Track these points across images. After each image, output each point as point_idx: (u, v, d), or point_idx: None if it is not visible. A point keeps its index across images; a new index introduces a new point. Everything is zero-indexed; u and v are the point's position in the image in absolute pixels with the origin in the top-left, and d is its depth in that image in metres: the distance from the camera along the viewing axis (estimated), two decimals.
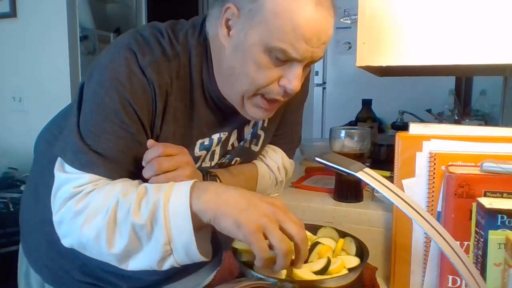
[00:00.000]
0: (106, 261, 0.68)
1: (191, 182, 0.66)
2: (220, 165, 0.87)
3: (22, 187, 1.88)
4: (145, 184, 0.69)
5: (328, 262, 0.67)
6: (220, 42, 0.72)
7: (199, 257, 0.64)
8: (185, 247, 0.63)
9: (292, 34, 0.65)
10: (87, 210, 0.67)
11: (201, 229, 0.64)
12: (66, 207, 0.68)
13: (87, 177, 0.69)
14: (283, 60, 0.68)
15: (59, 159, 0.72)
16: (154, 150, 0.69)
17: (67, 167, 0.71)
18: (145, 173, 0.70)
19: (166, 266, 0.65)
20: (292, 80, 0.69)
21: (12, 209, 1.71)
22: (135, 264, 0.66)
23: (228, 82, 0.74)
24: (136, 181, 0.72)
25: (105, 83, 0.70)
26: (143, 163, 0.71)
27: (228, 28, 0.71)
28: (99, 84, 0.71)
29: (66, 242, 0.71)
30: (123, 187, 0.68)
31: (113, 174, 0.71)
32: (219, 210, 0.62)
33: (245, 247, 0.68)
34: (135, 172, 0.73)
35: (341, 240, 0.75)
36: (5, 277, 1.14)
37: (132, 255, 0.66)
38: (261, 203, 0.63)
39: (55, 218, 0.70)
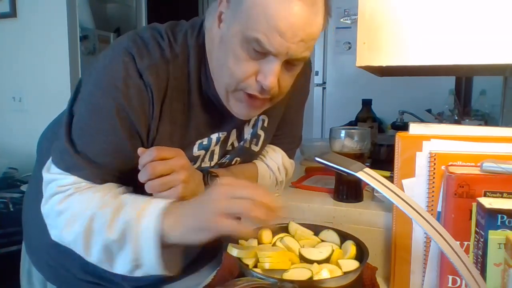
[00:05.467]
0: None
1: (165, 204, 0.67)
2: (220, 165, 0.87)
3: (22, 187, 1.88)
4: (125, 196, 0.71)
5: (332, 252, 0.70)
6: (213, 35, 0.73)
7: (165, 273, 0.67)
8: (151, 265, 0.66)
9: (266, 25, 0.65)
10: (67, 214, 0.70)
11: (170, 247, 0.66)
12: (50, 203, 0.73)
13: (71, 178, 0.72)
14: (260, 52, 0.67)
15: (49, 159, 0.75)
16: (147, 155, 0.69)
17: (53, 168, 0.74)
18: (140, 178, 0.70)
19: (137, 274, 0.69)
20: (268, 75, 0.68)
21: (12, 209, 1.71)
22: (113, 269, 0.70)
23: (216, 75, 0.75)
24: (117, 191, 0.73)
25: (102, 85, 0.71)
26: (139, 167, 0.71)
27: (220, 21, 0.72)
28: (96, 86, 0.72)
29: (52, 235, 0.74)
30: (103, 197, 0.70)
31: (95, 178, 0.72)
32: (181, 230, 0.64)
33: (242, 254, 0.69)
34: (122, 177, 0.75)
35: (345, 247, 0.75)
36: (6, 277, 1.14)
37: (107, 263, 0.70)
38: (210, 198, 0.64)
39: (42, 210, 0.75)
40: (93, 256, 0.70)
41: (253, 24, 0.65)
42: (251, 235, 0.64)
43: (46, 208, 0.74)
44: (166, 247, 0.65)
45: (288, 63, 0.70)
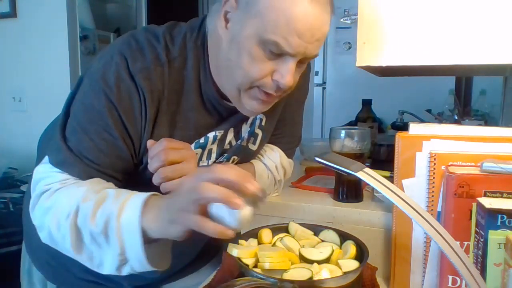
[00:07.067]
0: (82, 263, 0.69)
1: (146, 196, 0.65)
2: None
3: (22, 187, 1.88)
4: (109, 190, 0.69)
5: (332, 252, 0.70)
6: (219, 35, 0.73)
7: (152, 268, 0.65)
8: (137, 259, 0.64)
9: (286, 28, 0.66)
10: (54, 208, 0.69)
11: (156, 241, 0.64)
12: (39, 203, 0.71)
13: (59, 176, 0.71)
14: (276, 53, 0.69)
15: (45, 157, 0.75)
16: (158, 144, 0.71)
17: (44, 166, 0.74)
18: (151, 166, 0.71)
19: (124, 272, 0.67)
20: (285, 74, 0.70)
21: (12, 209, 1.71)
22: (104, 268, 0.67)
23: (224, 75, 0.75)
24: (103, 185, 0.71)
25: (96, 86, 0.72)
26: (149, 159, 0.72)
27: (227, 21, 0.72)
28: (90, 87, 0.73)
29: (41, 238, 0.72)
30: (86, 191, 0.68)
31: (85, 176, 0.72)
32: (158, 223, 0.62)
33: (242, 255, 0.69)
34: (116, 176, 0.75)
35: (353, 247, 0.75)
36: (6, 276, 1.14)
37: (97, 260, 0.67)
38: (182, 189, 0.61)
39: (31, 216, 0.73)
40: (84, 253, 0.67)
41: (272, 27, 0.66)
42: (221, 233, 0.56)
43: (36, 210, 0.72)
44: (150, 242, 0.63)
45: (300, 61, 0.72)
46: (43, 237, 0.72)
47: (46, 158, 0.75)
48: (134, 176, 0.78)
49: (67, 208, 0.67)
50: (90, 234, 0.65)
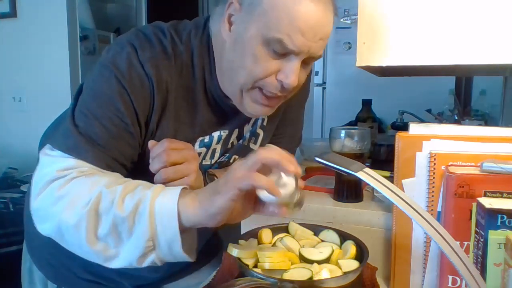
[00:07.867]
0: (88, 258, 0.65)
1: (181, 186, 0.64)
2: (219, 164, 0.87)
3: (22, 187, 1.88)
4: (138, 181, 0.67)
5: (332, 252, 0.70)
6: (222, 38, 0.74)
7: (182, 256, 0.62)
8: (169, 243, 0.61)
9: (289, 26, 0.67)
10: (69, 196, 0.63)
11: (187, 230, 0.63)
12: (47, 190, 0.65)
13: (72, 161, 0.67)
14: (280, 53, 0.69)
15: (47, 144, 0.70)
16: (160, 145, 0.71)
17: (53, 151, 0.69)
18: (153, 167, 0.70)
19: (146, 262, 0.63)
20: (289, 74, 0.70)
21: (12, 209, 1.71)
22: (116, 261, 0.63)
23: (227, 76, 0.76)
24: (123, 179, 0.69)
25: (106, 73, 0.71)
26: (150, 159, 0.71)
27: (230, 24, 0.73)
28: (100, 74, 0.73)
29: (43, 228, 0.67)
30: (110, 180, 0.65)
31: (99, 161, 0.68)
32: (196, 205, 0.61)
33: (242, 255, 0.69)
34: (127, 165, 0.74)
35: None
36: (6, 276, 1.14)
37: (112, 251, 0.63)
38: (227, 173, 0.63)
39: (34, 203, 0.66)
40: (98, 244, 0.62)
41: (275, 26, 0.67)
42: (271, 187, 0.59)
43: (40, 199, 0.65)
44: (182, 231, 0.61)
45: (304, 61, 0.72)
46: (47, 228, 0.66)
47: (47, 147, 0.70)
48: (137, 174, 0.77)
49: (87, 195, 0.62)
50: (112, 221, 0.61)
